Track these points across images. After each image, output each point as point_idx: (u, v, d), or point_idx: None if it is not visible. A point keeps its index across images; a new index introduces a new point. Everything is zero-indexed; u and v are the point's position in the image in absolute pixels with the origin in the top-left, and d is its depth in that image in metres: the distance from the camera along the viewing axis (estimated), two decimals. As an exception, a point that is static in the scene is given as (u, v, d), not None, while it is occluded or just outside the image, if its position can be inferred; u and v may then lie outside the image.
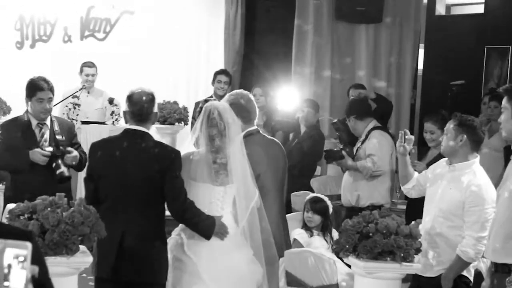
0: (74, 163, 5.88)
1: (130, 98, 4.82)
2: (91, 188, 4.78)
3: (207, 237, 4.69)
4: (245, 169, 4.85)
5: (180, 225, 4.85)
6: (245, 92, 5.44)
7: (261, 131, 5.55)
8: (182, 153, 4.84)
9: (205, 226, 4.70)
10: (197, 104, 9.27)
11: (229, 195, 4.87)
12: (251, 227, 4.89)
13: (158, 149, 4.78)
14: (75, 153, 5.87)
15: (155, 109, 4.87)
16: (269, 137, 5.75)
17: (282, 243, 5.29)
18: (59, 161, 5.79)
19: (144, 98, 4.80)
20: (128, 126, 4.85)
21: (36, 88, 5.91)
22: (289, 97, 9.29)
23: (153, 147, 4.77)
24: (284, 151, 5.58)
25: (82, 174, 5.56)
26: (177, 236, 4.84)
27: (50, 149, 5.84)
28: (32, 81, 5.97)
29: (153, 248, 4.67)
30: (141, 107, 4.77)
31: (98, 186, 4.73)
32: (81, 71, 9.17)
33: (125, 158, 4.71)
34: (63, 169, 5.77)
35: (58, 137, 5.98)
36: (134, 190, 4.65)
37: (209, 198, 4.82)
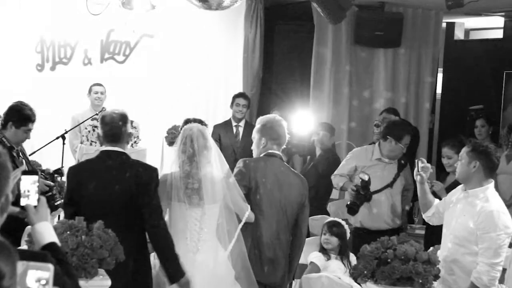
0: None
1: (103, 119, 4.91)
2: (70, 212, 4.76)
3: (173, 279, 4.68)
4: (224, 191, 5.02)
5: None
6: (278, 117, 5.55)
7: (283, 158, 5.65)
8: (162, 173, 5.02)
9: (175, 266, 4.69)
10: (215, 127, 9.33)
11: (209, 216, 4.98)
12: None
13: (136, 168, 4.83)
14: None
15: (128, 129, 4.91)
16: (288, 166, 5.79)
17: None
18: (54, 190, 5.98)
19: (115, 118, 4.86)
20: (103, 148, 4.90)
21: (28, 120, 6.08)
22: (307, 120, 9.31)
23: (131, 166, 4.82)
24: (301, 182, 5.65)
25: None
26: None
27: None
28: (23, 110, 6.11)
29: (136, 266, 4.67)
30: (111, 127, 4.83)
31: (79, 209, 4.72)
32: (90, 91, 9.24)
33: (104, 179, 4.75)
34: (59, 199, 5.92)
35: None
36: (115, 209, 4.67)
37: (185, 217, 4.94)
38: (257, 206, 5.34)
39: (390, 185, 7.09)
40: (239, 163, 5.46)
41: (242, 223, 5.08)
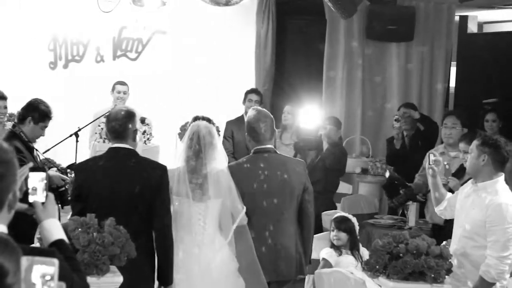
0: None
1: (108, 117, 4.92)
2: (78, 209, 4.76)
3: (164, 282, 4.77)
4: (226, 187, 5.05)
5: None
6: (260, 113, 5.55)
7: (277, 151, 5.61)
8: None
9: (169, 271, 4.76)
10: (228, 123, 9.33)
11: (212, 210, 5.02)
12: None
13: (145, 165, 4.83)
14: None
15: (134, 126, 4.88)
16: (280, 154, 5.73)
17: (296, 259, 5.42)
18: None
19: (119, 115, 4.85)
20: (111, 145, 4.90)
21: (47, 116, 6.14)
22: (319, 116, 9.30)
23: (139, 164, 4.82)
24: (297, 164, 5.60)
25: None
26: None
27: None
28: (42, 107, 6.15)
29: (143, 265, 4.68)
30: (117, 124, 4.82)
31: (86, 206, 4.71)
32: (113, 89, 9.24)
33: (112, 176, 4.75)
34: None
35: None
36: (123, 207, 4.67)
37: (189, 212, 4.97)
38: (249, 209, 5.28)
39: None
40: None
41: (236, 223, 5.08)
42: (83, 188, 4.78)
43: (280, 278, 5.41)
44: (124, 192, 4.70)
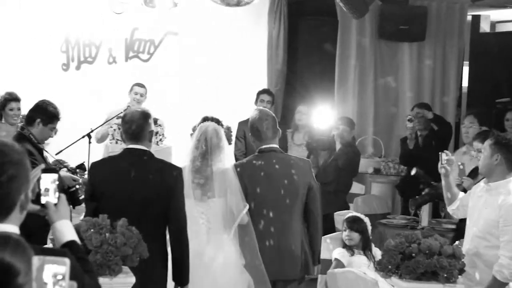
0: None
1: (124, 118, 4.90)
2: (91, 208, 4.76)
3: (181, 283, 4.79)
4: (230, 186, 5.10)
5: None
6: (261, 112, 5.56)
7: (282, 151, 5.63)
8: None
9: (186, 272, 4.77)
10: (240, 124, 9.33)
11: (215, 209, 5.09)
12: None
13: (160, 167, 4.82)
14: None
15: (150, 127, 4.88)
16: (286, 154, 5.74)
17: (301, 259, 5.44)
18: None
19: (136, 116, 4.85)
20: (126, 146, 4.89)
21: (55, 118, 6.14)
22: (331, 116, 9.30)
23: (155, 165, 4.82)
24: (302, 164, 5.59)
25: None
26: None
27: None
28: (51, 108, 6.14)
29: (155, 267, 4.68)
30: (135, 125, 4.80)
31: (99, 206, 4.70)
32: (131, 90, 9.25)
33: (127, 176, 4.74)
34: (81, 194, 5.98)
35: None
36: (138, 208, 4.66)
37: (191, 211, 4.97)
38: (254, 208, 5.30)
39: None
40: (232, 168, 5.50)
41: (237, 221, 5.10)
42: (97, 187, 4.78)
43: (284, 277, 5.42)
44: (139, 194, 4.69)
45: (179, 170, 4.85)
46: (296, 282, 5.52)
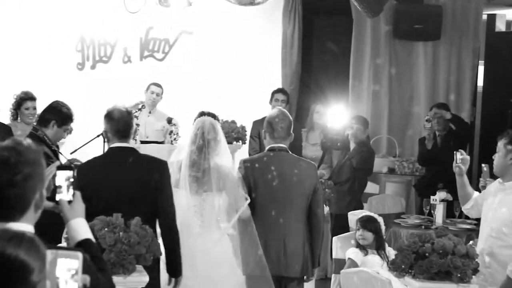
0: None
1: (111, 116, 4.90)
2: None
3: (174, 274, 4.84)
4: (227, 181, 5.16)
5: None
6: (280, 112, 5.58)
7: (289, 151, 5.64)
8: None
9: (178, 263, 4.82)
10: (255, 123, 9.34)
11: (208, 203, 5.14)
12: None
13: (147, 162, 4.86)
14: None
15: (133, 124, 4.97)
16: (293, 155, 5.74)
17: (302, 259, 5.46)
18: None
19: (124, 114, 4.89)
20: (112, 145, 4.90)
21: (69, 119, 6.11)
22: (346, 115, 9.30)
23: (141, 161, 4.85)
24: (308, 166, 5.61)
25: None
26: None
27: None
28: (67, 110, 6.11)
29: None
30: (124, 123, 4.85)
31: (89, 205, 4.71)
32: (147, 89, 9.29)
33: (116, 174, 4.77)
34: None
35: None
36: (127, 205, 4.63)
37: (186, 204, 5.07)
38: (259, 204, 5.34)
39: None
40: (240, 164, 5.52)
41: (237, 215, 5.14)
42: (86, 189, 4.78)
43: (284, 274, 5.43)
44: (127, 192, 4.72)
45: (164, 163, 4.89)
46: (296, 282, 5.52)
